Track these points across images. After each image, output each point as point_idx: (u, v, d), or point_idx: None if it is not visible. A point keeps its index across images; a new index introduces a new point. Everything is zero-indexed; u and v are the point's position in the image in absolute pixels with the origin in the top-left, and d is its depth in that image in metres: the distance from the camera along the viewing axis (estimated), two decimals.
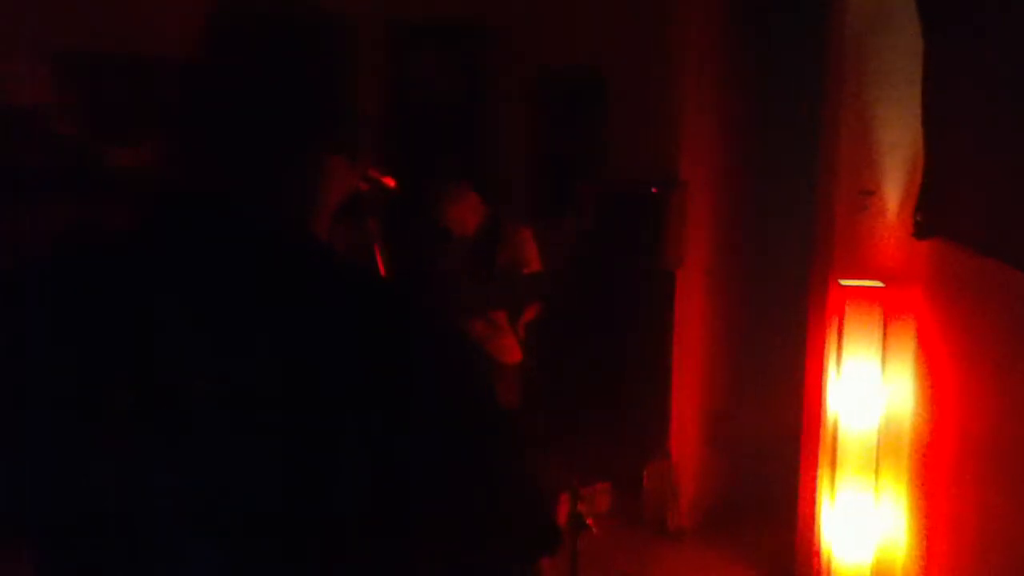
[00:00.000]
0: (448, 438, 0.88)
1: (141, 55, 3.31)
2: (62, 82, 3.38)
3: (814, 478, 3.25)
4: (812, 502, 3.27)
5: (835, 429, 3.04)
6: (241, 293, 0.87)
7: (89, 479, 0.84)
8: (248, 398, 0.84)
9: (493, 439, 0.92)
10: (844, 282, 3.01)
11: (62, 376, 0.86)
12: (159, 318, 0.85)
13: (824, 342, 3.16)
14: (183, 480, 0.83)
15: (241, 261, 0.88)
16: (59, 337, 0.87)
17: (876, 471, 2.98)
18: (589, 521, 3.22)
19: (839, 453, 3.02)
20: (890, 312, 2.95)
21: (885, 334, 2.95)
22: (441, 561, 0.89)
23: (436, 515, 0.89)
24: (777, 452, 3.63)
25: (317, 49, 0.95)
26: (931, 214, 2.77)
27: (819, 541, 3.21)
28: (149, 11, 3.02)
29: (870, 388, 2.97)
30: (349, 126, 0.96)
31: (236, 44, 0.92)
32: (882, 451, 2.98)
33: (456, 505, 0.89)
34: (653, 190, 3.63)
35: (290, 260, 0.90)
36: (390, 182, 2.29)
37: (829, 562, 3.12)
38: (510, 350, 3.69)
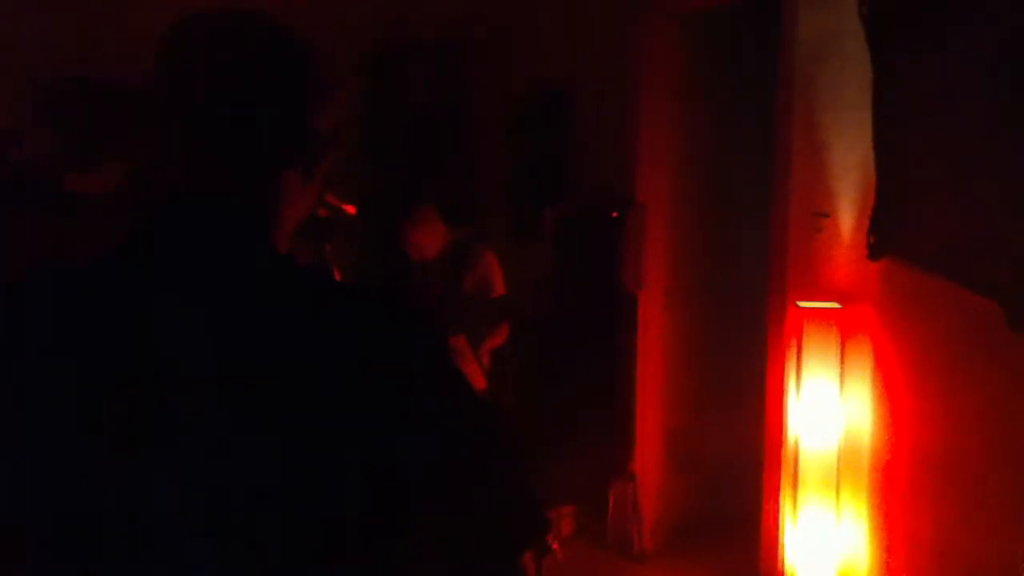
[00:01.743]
0: (448, 438, 0.89)
1: (112, 78, 3.31)
2: (30, 104, 3.34)
3: (776, 497, 3.29)
4: (775, 521, 3.30)
5: (796, 449, 3.09)
6: (241, 294, 0.87)
7: (89, 480, 0.83)
8: (248, 399, 0.84)
9: (492, 439, 0.93)
10: (801, 303, 3.07)
11: (62, 377, 0.85)
12: (159, 318, 0.85)
13: (783, 362, 3.22)
14: (183, 481, 0.82)
15: (241, 262, 0.89)
16: (59, 338, 0.86)
17: (837, 489, 3.03)
18: (554, 545, 3.22)
19: (800, 472, 3.07)
20: (846, 332, 3.02)
21: (842, 354, 3.02)
22: (441, 561, 0.90)
23: (436, 515, 0.89)
24: (740, 472, 3.67)
25: (300, 63, 0.96)
26: (883, 235, 2.86)
27: (782, 560, 3.25)
28: (119, 34, 3.01)
29: (829, 407, 3.03)
30: (319, 145, 0.97)
31: (228, 50, 0.92)
32: (842, 469, 3.04)
33: (456, 505, 0.90)
34: (613, 214, 3.68)
35: (289, 261, 0.91)
36: (350, 209, 2.31)
37: None
38: (473, 377, 3.68)
